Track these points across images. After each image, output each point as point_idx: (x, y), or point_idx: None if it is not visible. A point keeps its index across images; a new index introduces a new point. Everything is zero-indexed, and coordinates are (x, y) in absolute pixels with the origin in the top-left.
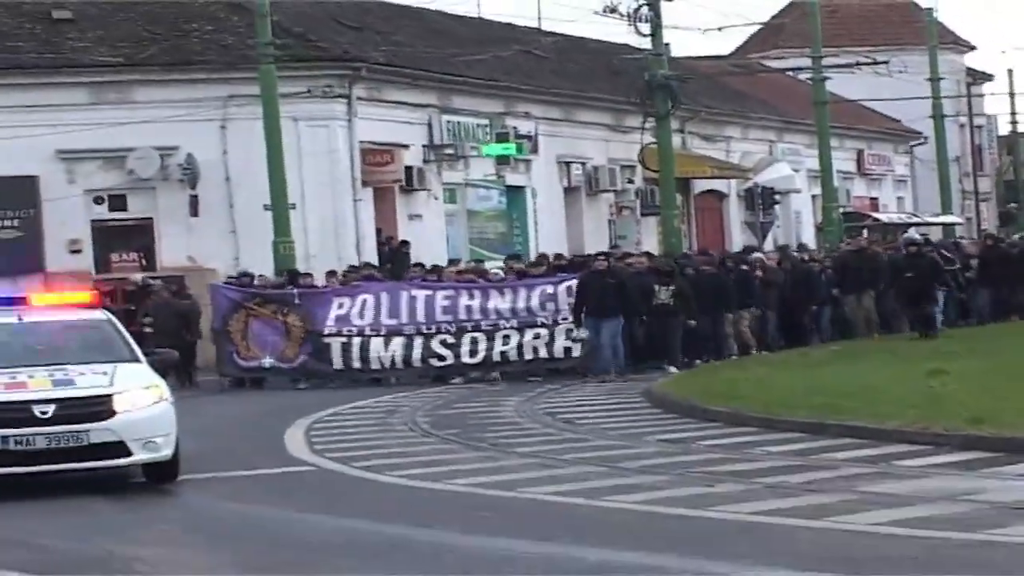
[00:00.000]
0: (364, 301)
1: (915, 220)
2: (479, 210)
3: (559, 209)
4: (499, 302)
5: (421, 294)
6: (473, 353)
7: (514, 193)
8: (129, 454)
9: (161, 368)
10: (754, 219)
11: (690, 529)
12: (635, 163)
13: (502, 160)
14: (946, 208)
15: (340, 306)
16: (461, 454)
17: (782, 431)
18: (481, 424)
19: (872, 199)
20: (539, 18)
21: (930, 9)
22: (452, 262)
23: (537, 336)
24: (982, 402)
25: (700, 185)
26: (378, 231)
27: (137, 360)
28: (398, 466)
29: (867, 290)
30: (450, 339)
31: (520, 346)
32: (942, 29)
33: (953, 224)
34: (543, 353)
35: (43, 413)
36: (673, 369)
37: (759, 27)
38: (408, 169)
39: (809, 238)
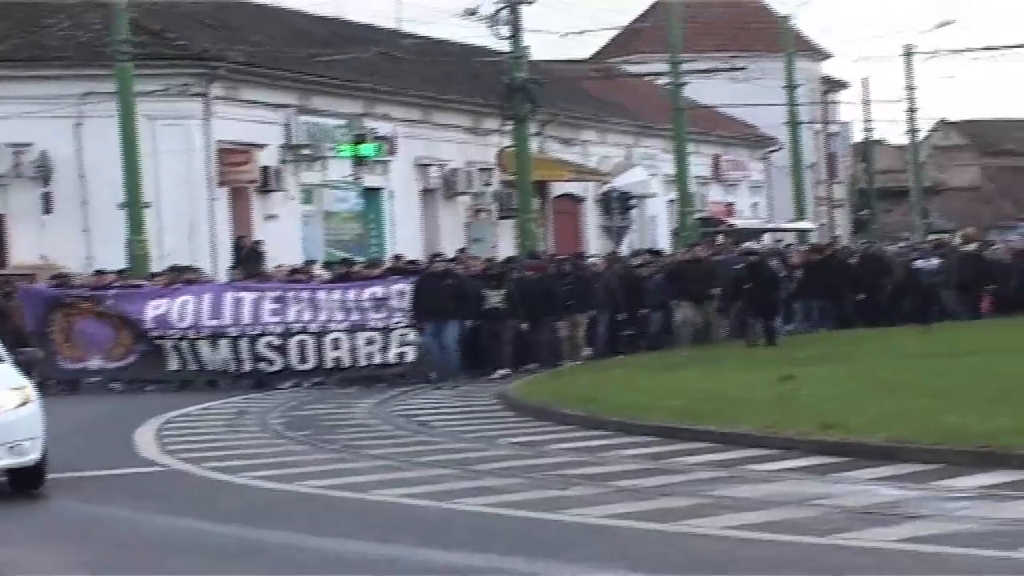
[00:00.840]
0: (185, 302)
1: (770, 226)
2: (336, 211)
3: (416, 211)
4: (328, 304)
5: (248, 296)
6: (303, 359)
7: (371, 195)
8: None
9: (26, 367)
10: (610, 223)
11: (541, 532)
12: (493, 166)
13: (360, 161)
14: (800, 214)
15: (156, 307)
16: (313, 456)
17: (637, 435)
18: (334, 426)
19: (728, 204)
20: (399, 19)
21: (787, 17)
22: (308, 263)
23: (370, 341)
24: (832, 408)
25: (557, 188)
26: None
27: (1, 360)
28: (250, 467)
29: (699, 299)
30: (276, 341)
31: (353, 351)
32: (798, 37)
33: (807, 230)
34: (377, 359)
35: None
36: (501, 372)
37: (618, 31)
38: (265, 169)
39: (665, 243)
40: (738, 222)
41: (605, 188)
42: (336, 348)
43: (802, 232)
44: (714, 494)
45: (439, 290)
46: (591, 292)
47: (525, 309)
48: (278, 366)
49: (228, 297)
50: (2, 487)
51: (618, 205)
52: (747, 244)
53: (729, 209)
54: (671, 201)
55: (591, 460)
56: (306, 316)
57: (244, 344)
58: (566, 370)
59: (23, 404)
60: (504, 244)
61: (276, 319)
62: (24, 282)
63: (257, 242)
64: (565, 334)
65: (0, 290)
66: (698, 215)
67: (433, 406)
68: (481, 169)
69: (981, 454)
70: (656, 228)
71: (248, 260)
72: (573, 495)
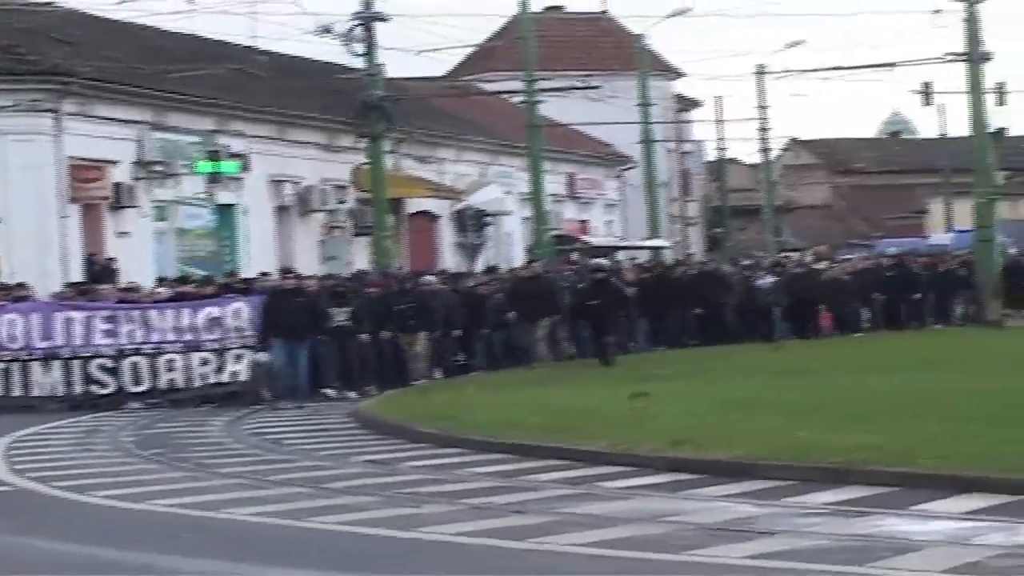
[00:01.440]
0: (12, 322)
1: (624, 244)
2: (189, 228)
3: (270, 228)
4: (161, 324)
5: (79, 315)
6: (137, 380)
7: (225, 212)
8: None
9: None
10: (466, 240)
11: (394, 549)
12: (348, 183)
13: (213, 178)
14: (654, 232)
15: None
16: (165, 474)
17: (490, 452)
18: (186, 444)
19: (583, 222)
20: (253, 36)
21: (640, 36)
22: (160, 280)
23: (205, 362)
24: (684, 425)
25: (413, 206)
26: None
27: None
28: (101, 486)
29: (540, 317)
30: (109, 363)
31: (188, 370)
32: (652, 56)
33: (661, 248)
34: (212, 379)
35: None
36: (352, 394)
37: (474, 49)
38: (117, 186)
39: (520, 260)
40: (593, 240)
41: (460, 206)
42: (170, 369)
43: (656, 250)
44: (567, 511)
45: (291, 308)
46: (432, 311)
47: (370, 327)
48: (111, 388)
49: (58, 317)
50: None
51: (473, 223)
52: (594, 260)
53: (584, 227)
54: (526, 219)
55: (445, 478)
56: (139, 336)
57: (76, 366)
58: (421, 388)
59: None
60: (359, 261)
61: (109, 340)
62: None
63: (110, 259)
64: (412, 352)
65: None
66: (553, 233)
67: (286, 425)
68: (336, 186)
69: (832, 471)
70: (512, 245)
71: (101, 277)
72: (426, 513)
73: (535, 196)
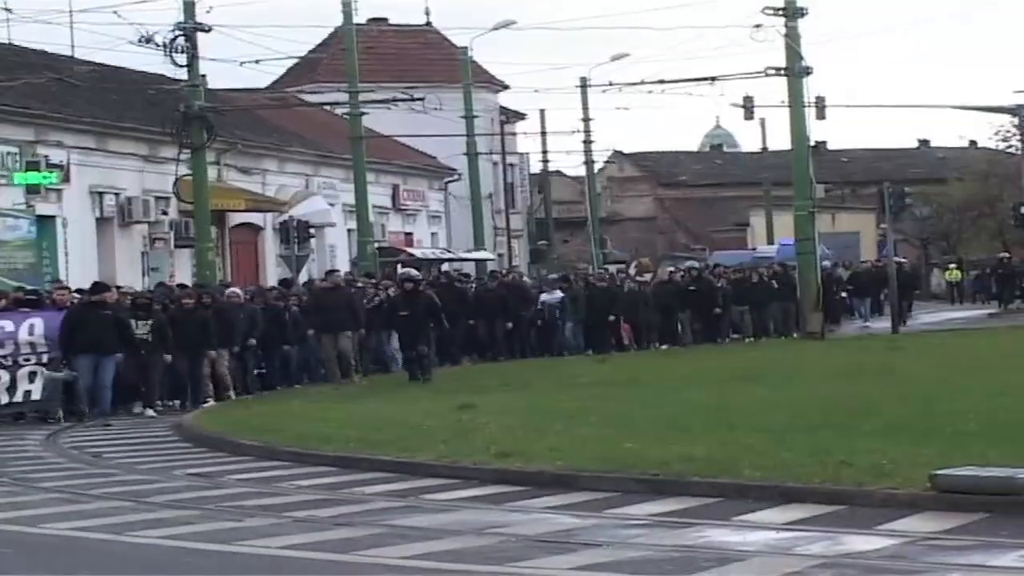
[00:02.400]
0: None
1: (449, 255)
2: (8, 239)
3: (91, 239)
4: None
5: None
6: None
7: (44, 223)
8: None
9: None
10: (289, 252)
11: (216, 563)
12: (170, 194)
13: (32, 189)
14: (479, 244)
15: None
16: None
17: (313, 465)
18: (5, 459)
19: (407, 234)
20: (72, 46)
21: (465, 48)
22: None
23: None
24: (511, 437)
25: (236, 218)
26: None
27: None
28: None
29: (342, 330)
30: None
31: None
32: (477, 68)
33: (486, 260)
34: (3, 399)
35: None
36: (150, 412)
37: (296, 61)
38: None
39: (344, 271)
40: (417, 252)
41: (283, 217)
42: None
43: (481, 262)
44: (392, 523)
45: (95, 321)
46: (234, 325)
47: (171, 342)
48: None
49: None
50: None
51: (297, 234)
52: (404, 269)
53: (409, 239)
54: (351, 230)
55: (267, 491)
56: None
57: None
58: (244, 401)
59: None
60: (181, 273)
61: None
62: None
63: None
64: (217, 370)
65: None
66: (378, 245)
67: (106, 438)
68: (158, 197)
69: (655, 482)
70: (336, 257)
71: None
72: (249, 526)
73: (359, 208)
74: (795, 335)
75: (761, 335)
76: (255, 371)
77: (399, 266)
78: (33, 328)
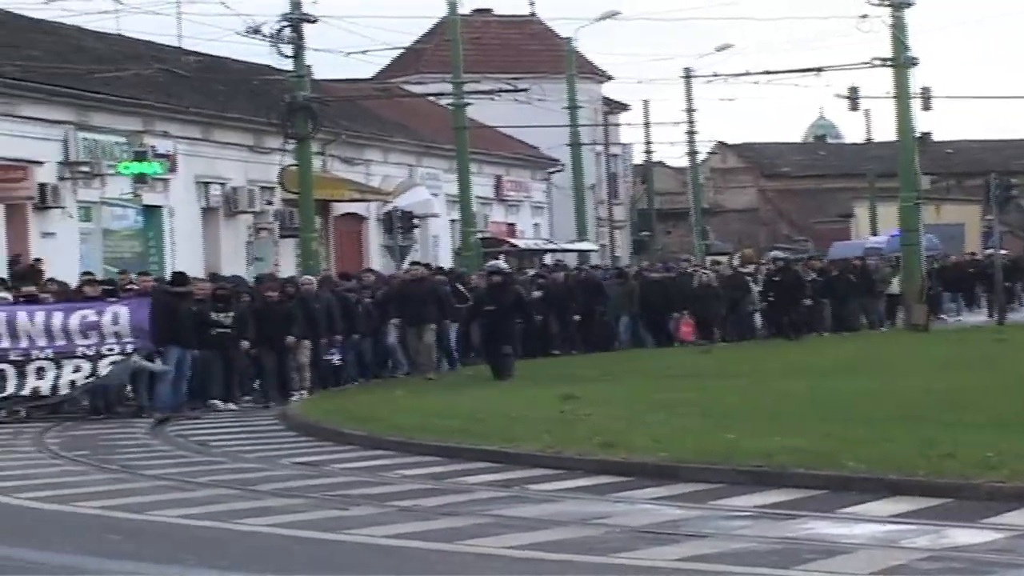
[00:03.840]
0: None
1: (551, 246)
2: (115, 229)
3: (197, 229)
4: (30, 329)
5: None
6: (1, 387)
7: (151, 212)
8: None
9: None
10: (393, 242)
11: (323, 552)
12: (275, 184)
13: (140, 179)
14: (582, 235)
15: None
16: (91, 476)
17: (417, 454)
18: (112, 446)
19: (510, 224)
20: (180, 36)
21: (569, 39)
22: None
23: (77, 369)
24: (613, 427)
25: (340, 208)
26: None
27: None
28: (26, 488)
29: (427, 322)
30: None
31: (56, 380)
32: (581, 59)
33: (588, 251)
34: (82, 386)
35: None
36: (231, 405)
37: (401, 52)
38: (42, 186)
39: (448, 262)
40: (520, 242)
41: (387, 208)
42: (40, 378)
43: (584, 252)
44: (496, 513)
45: (180, 314)
46: (316, 317)
47: (255, 333)
48: None
49: None
50: None
51: (401, 224)
52: (493, 263)
53: (511, 229)
54: (454, 221)
55: (372, 480)
56: (4, 343)
57: None
58: (347, 391)
59: None
60: (286, 263)
61: None
62: None
63: (37, 260)
64: (296, 361)
65: None
66: (480, 235)
67: (212, 427)
68: (263, 187)
69: (758, 473)
70: (439, 247)
71: (26, 278)
72: (355, 515)
73: (462, 198)
74: (883, 328)
75: (841, 330)
76: (335, 363)
77: (502, 256)
78: (117, 317)
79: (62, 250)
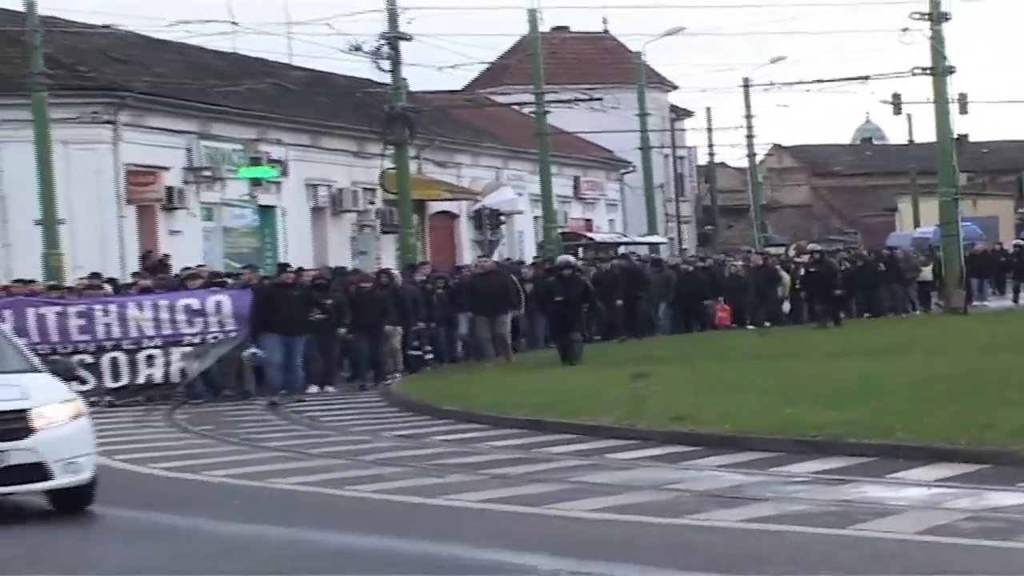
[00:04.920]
0: None
1: (624, 240)
2: (234, 227)
3: (307, 227)
4: (139, 317)
5: (50, 311)
6: (116, 376)
7: (266, 212)
8: (49, 477)
9: (63, 378)
10: (482, 238)
11: (424, 515)
12: (376, 186)
13: (255, 182)
14: (652, 229)
15: None
16: (216, 448)
17: (507, 427)
18: (234, 422)
19: (587, 220)
20: (290, 54)
21: (639, 53)
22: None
23: (184, 356)
24: (682, 403)
25: (434, 206)
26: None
27: (37, 370)
28: (159, 459)
29: (500, 313)
30: (88, 359)
31: (166, 367)
32: (649, 71)
33: (657, 243)
34: (192, 372)
35: None
36: (330, 388)
37: (488, 66)
38: (169, 189)
39: (531, 255)
40: (596, 236)
41: (477, 206)
42: (151, 365)
43: (653, 245)
44: (579, 480)
45: (284, 302)
46: (407, 305)
47: (351, 320)
48: (90, 385)
49: (30, 313)
50: (20, 505)
51: (489, 221)
52: (563, 257)
53: (588, 224)
54: (536, 218)
55: (466, 451)
56: (116, 332)
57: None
58: (442, 371)
59: (75, 418)
60: (387, 256)
61: (85, 336)
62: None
63: (165, 255)
64: (389, 347)
65: None
66: (560, 230)
67: (321, 405)
68: (365, 189)
69: (814, 443)
70: (523, 242)
71: (156, 272)
72: (451, 482)
73: (544, 197)
74: (915, 312)
75: (869, 314)
76: (422, 350)
77: (580, 250)
78: (220, 306)
79: (187, 246)
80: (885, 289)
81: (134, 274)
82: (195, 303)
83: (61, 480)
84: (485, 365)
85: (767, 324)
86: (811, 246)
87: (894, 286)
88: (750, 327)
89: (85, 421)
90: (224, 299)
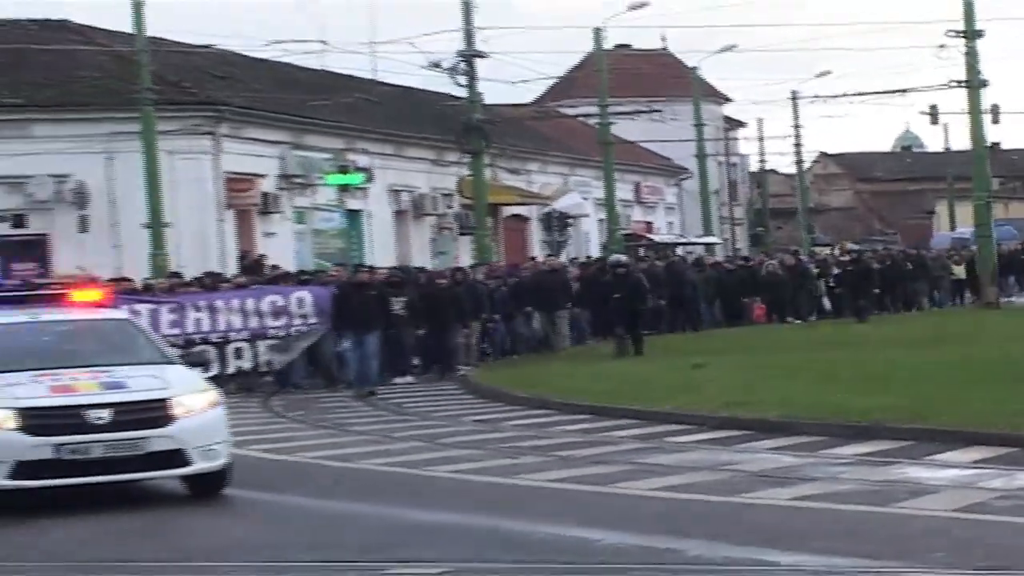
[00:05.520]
0: None
1: (682, 240)
2: (323, 229)
3: (390, 229)
4: (226, 313)
5: (144, 308)
6: (205, 368)
7: (353, 215)
8: (188, 463)
9: (200, 369)
10: (551, 239)
11: (499, 493)
12: (454, 191)
13: (343, 188)
14: (707, 231)
15: None
16: (308, 432)
17: (574, 413)
18: (324, 408)
19: (647, 223)
20: (374, 70)
21: (695, 68)
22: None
23: (270, 348)
24: (737, 390)
25: (507, 210)
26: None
27: (173, 362)
28: (257, 442)
29: (557, 309)
30: (177, 352)
31: (254, 359)
32: (704, 84)
33: (713, 244)
34: (277, 364)
35: (98, 419)
36: (409, 378)
37: (556, 80)
38: (264, 195)
39: (596, 254)
40: (656, 237)
41: (546, 210)
42: (239, 357)
43: (709, 246)
44: (639, 461)
45: (359, 300)
46: (480, 301)
47: (425, 316)
48: None
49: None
50: (157, 489)
51: (557, 224)
52: (616, 257)
53: (648, 227)
54: (601, 220)
55: (537, 434)
56: (205, 325)
57: None
58: (515, 361)
59: (212, 406)
60: (464, 256)
61: (176, 331)
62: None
63: (262, 255)
64: (462, 340)
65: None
66: (623, 232)
67: (403, 393)
68: (444, 194)
69: (859, 427)
70: (589, 242)
71: (252, 270)
72: (523, 463)
73: (608, 201)
74: (943, 307)
75: (898, 309)
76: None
77: (640, 250)
78: (302, 301)
79: (281, 247)
80: (912, 286)
81: (233, 275)
82: (279, 299)
83: (199, 466)
84: (558, 355)
85: (802, 320)
86: (849, 246)
87: (920, 283)
88: (789, 321)
89: (220, 410)
90: (306, 295)
